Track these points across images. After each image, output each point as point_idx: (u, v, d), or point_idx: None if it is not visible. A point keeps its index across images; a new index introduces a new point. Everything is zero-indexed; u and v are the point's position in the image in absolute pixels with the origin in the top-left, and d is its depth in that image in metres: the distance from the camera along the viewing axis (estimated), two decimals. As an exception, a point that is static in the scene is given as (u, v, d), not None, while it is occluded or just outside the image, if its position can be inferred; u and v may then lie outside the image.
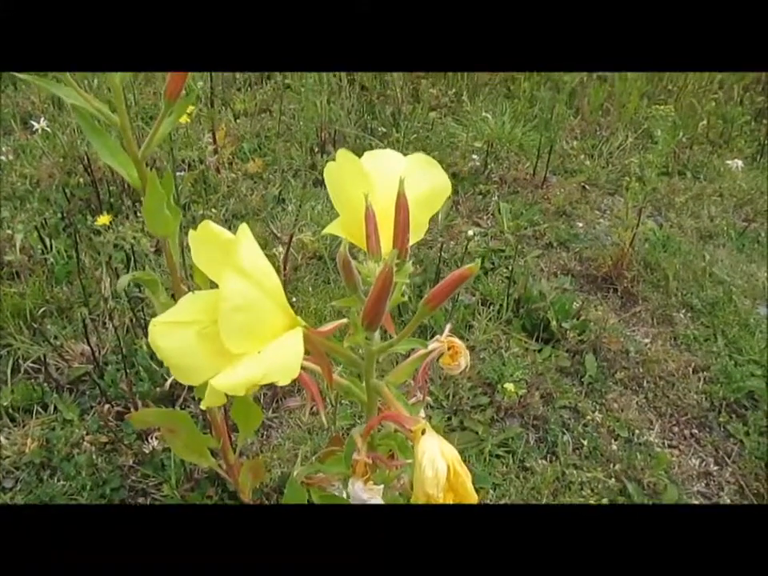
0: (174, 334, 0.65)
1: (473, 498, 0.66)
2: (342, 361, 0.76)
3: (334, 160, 0.79)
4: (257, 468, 1.13)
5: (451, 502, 0.66)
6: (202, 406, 0.61)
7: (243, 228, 0.61)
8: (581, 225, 2.88)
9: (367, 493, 0.74)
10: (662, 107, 2.48)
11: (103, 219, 2.08)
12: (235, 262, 0.59)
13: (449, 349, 0.83)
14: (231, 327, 0.58)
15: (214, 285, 0.68)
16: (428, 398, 0.90)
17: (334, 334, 0.76)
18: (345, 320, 0.79)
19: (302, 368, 0.85)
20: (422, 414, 0.87)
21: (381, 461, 0.78)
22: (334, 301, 0.72)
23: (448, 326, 0.84)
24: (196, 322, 0.65)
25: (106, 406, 1.70)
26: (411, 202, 0.73)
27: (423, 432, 0.67)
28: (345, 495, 0.98)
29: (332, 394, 1.89)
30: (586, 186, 3.16)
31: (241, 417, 1.15)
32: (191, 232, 0.65)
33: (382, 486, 0.76)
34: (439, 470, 0.64)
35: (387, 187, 0.77)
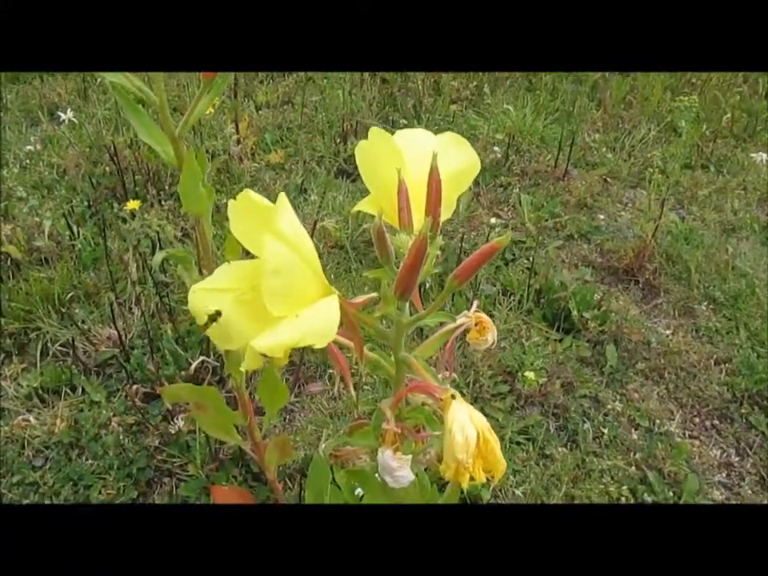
0: (213, 300, 0.67)
1: (502, 465, 0.68)
2: (371, 333, 0.78)
3: (360, 145, 0.81)
4: (283, 445, 1.15)
5: (480, 469, 0.68)
6: (242, 368, 0.63)
7: (282, 197, 0.63)
8: (602, 217, 2.87)
9: (396, 461, 0.75)
10: (687, 98, 2.47)
11: (132, 204, 2.11)
12: (275, 227, 0.61)
13: (476, 324, 0.84)
14: (271, 289, 0.59)
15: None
16: (454, 375, 0.92)
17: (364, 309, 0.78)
18: (375, 294, 0.81)
19: (333, 341, 0.87)
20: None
21: (409, 432, 0.80)
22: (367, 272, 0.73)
23: (475, 302, 0.86)
24: (233, 289, 0.67)
25: (134, 386, 1.73)
26: (441, 179, 0.74)
27: (453, 398, 0.68)
28: (368, 468, 1.00)
29: (355, 378, 1.91)
30: (608, 179, 3.15)
31: (267, 395, 1.17)
32: (231, 202, 0.67)
33: (411, 456, 0.78)
34: (469, 436, 0.66)
35: (418, 164, 0.79)
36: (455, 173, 0.79)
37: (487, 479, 0.68)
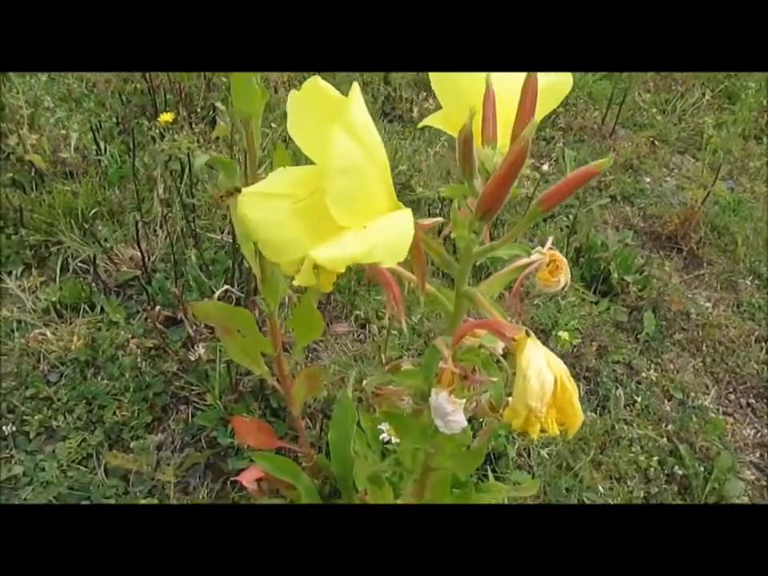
0: (265, 206, 0.59)
1: (578, 417, 0.60)
2: (435, 260, 0.69)
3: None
4: (313, 377, 1.08)
5: (553, 420, 0.60)
6: (296, 283, 0.55)
7: (356, 87, 0.54)
8: (647, 180, 2.74)
9: (452, 405, 0.68)
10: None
11: (165, 117, 2.01)
12: (346, 120, 0.52)
13: (549, 263, 0.75)
14: (338, 191, 0.51)
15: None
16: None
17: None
18: (440, 219, 0.72)
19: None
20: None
21: (466, 373, 0.72)
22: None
23: (550, 239, 0.77)
24: (289, 196, 0.59)
25: (157, 307, 1.67)
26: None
27: (528, 338, 0.60)
28: (409, 412, 0.93)
29: (383, 322, 1.84)
30: (656, 142, 3.00)
31: (300, 325, 1.09)
32: (293, 92, 0.59)
33: (465, 399, 0.70)
34: (546, 381, 0.58)
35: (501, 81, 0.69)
36: (545, 85, 0.70)
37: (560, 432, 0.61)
